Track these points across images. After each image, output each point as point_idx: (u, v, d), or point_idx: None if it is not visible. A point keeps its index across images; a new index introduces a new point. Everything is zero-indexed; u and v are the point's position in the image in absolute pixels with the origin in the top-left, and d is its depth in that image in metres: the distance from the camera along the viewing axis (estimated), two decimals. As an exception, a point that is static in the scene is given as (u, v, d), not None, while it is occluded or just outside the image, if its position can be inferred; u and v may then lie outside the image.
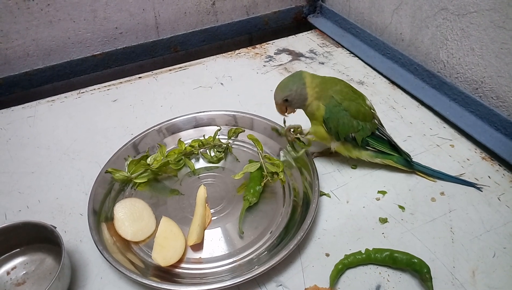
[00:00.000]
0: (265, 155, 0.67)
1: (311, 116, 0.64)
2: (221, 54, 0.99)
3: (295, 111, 0.65)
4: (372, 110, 0.64)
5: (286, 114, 0.64)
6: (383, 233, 0.58)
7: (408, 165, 0.65)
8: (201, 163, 0.70)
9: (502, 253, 0.55)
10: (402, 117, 0.77)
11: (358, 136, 0.62)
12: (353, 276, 0.53)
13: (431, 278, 0.50)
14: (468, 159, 0.68)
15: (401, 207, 0.61)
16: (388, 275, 0.53)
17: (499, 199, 0.61)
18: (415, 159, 0.67)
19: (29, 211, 0.64)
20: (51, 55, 0.93)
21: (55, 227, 0.53)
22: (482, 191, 0.63)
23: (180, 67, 0.95)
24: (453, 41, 0.77)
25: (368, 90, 0.84)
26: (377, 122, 0.64)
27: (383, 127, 0.66)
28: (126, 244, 0.58)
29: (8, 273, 0.54)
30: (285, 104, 0.62)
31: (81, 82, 0.96)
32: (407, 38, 0.87)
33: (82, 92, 0.88)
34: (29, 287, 0.53)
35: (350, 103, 0.61)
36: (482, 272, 0.53)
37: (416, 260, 0.52)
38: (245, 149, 0.72)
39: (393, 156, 0.65)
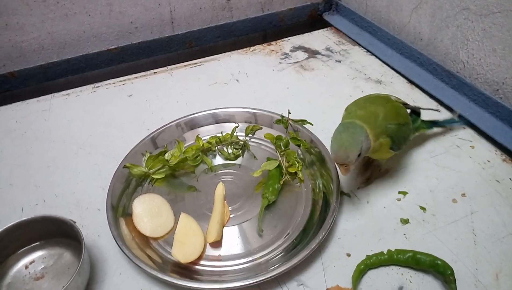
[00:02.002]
0: (283, 153, 0.67)
1: (373, 154, 0.59)
2: (236, 51, 0.98)
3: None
4: (399, 102, 0.64)
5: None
6: (404, 234, 0.57)
7: (433, 125, 0.71)
8: (218, 160, 0.70)
9: (526, 256, 0.54)
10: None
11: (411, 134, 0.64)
12: (375, 277, 0.52)
13: (455, 280, 0.50)
14: (488, 161, 0.67)
15: (422, 208, 0.60)
16: (411, 276, 0.52)
17: (521, 202, 0.61)
18: (435, 159, 0.66)
19: (46, 205, 0.63)
20: (66, 48, 0.92)
21: (75, 222, 0.53)
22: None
23: (195, 63, 0.94)
24: (474, 42, 0.76)
25: (386, 89, 0.83)
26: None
27: (407, 104, 0.66)
28: (144, 240, 0.57)
29: (26, 267, 0.54)
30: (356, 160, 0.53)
31: (95, 76, 0.96)
32: (426, 38, 0.86)
33: (97, 86, 0.88)
34: (48, 281, 0.53)
35: (397, 116, 0.59)
36: (506, 275, 0.52)
37: (439, 262, 0.51)
38: (262, 146, 0.71)
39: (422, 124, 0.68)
